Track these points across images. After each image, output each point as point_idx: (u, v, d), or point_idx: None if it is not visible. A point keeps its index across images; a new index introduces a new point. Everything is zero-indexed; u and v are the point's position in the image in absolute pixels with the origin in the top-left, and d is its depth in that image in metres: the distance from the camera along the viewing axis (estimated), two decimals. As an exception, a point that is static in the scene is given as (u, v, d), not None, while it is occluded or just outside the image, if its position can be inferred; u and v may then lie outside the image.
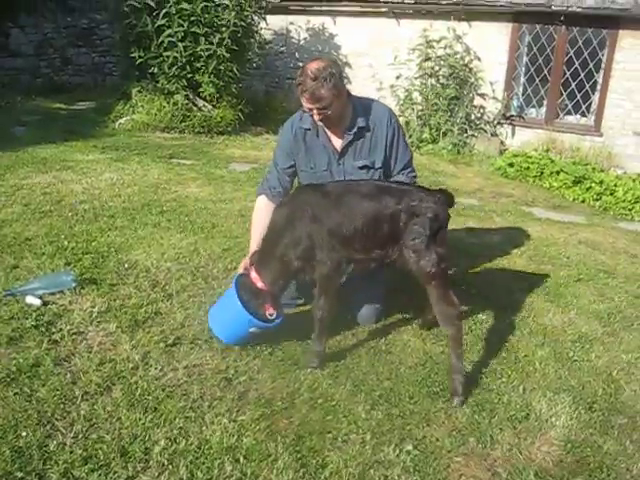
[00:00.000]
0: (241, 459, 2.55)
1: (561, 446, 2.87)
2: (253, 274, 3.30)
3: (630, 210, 7.20)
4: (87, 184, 5.91)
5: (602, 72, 9.13)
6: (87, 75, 12.86)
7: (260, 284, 3.28)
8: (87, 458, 2.46)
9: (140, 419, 2.70)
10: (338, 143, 3.65)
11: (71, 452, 2.48)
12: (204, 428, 2.71)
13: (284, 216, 3.29)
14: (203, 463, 2.50)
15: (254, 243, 3.57)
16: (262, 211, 3.70)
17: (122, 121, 8.84)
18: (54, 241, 4.43)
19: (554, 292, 4.51)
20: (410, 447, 2.74)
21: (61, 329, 3.35)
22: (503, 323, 3.94)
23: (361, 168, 3.68)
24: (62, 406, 2.75)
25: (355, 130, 3.60)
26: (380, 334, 3.69)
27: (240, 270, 3.49)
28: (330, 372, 3.25)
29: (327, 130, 3.63)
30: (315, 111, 3.39)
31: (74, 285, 3.75)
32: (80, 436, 2.58)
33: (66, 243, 4.39)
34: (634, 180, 7.89)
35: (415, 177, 3.86)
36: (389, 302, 3.90)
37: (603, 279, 4.88)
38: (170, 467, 2.46)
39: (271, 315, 3.33)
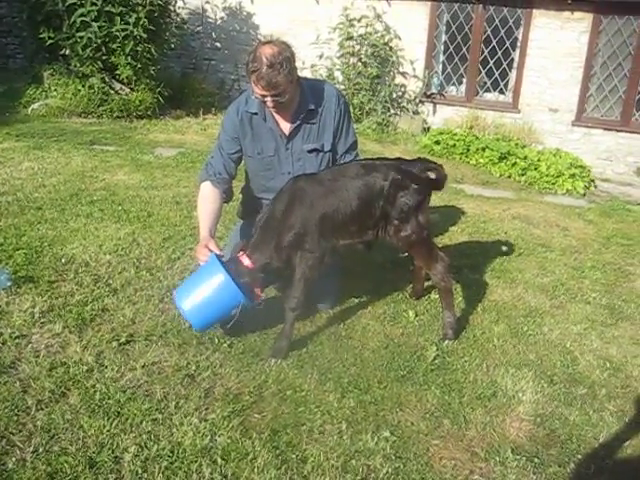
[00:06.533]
0: (218, 460, 2.43)
1: (531, 421, 2.91)
2: (246, 260, 3.15)
3: (554, 184, 7.42)
4: (6, 174, 5.52)
5: (518, 50, 9.33)
6: (-14, 58, 12.03)
7: (253, 269, 3.15)
8: (52, 474, 2.27)
9: (104, 425, 2.53)
10: (286, 127, 3.52)
11: (33, 468, 2.28)
12: (174, 430, 2.56)
13: (283, 205, 3.20)
14: (179, 468, 2.37)
15: (205, 229, 3.39)
16: (208, 198, 3.53)
17: (35, 106, 8.31)
18: (-21, 238, 4.10)
19: (499, 268, 4.58)
20: (387, 433, 2.70)
21: (1, 333, 3.09)
22: (456, 301, 3.94)
23: (310, 152, 3.58)
24: (15, 418, 2.53)
25: (303, 113, 3.48)
26: (338, 319, 3.63)
27: (200, 255, 3.26)
28: (294, 362, 3.16)
29: (275, 114, 3.49)
30: (269, 98, 3.24)
31: (9, 284, 3.48)
32: (41, 450, 2.38)
33: (-7, 239, 4.08)
34: (554, 155, 8.14)
35: None
36: (343, 286, 3.83)
37: (542, 253, 5.01)
38: (145, 475, 2.31)
39: (259, 304, 3.22)
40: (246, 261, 3.17)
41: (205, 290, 3.06)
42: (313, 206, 3.16)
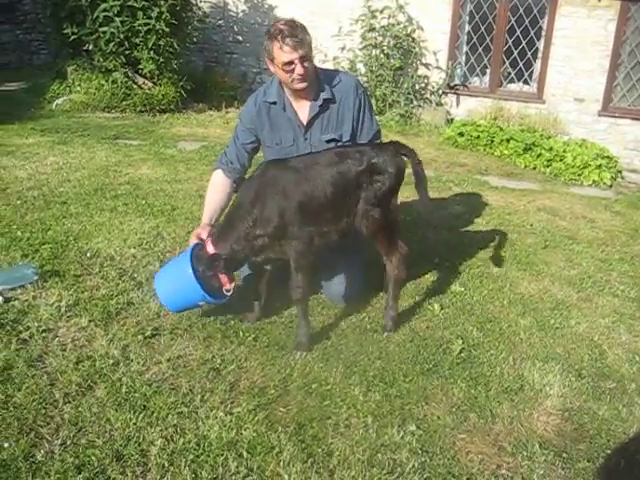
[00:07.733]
0: (244, 454, 2.43)
1: (559, 415, 2.87)
2: (210, 248, 3.13)
3: (579, 175, 7.30)
4: (32, 169, 5.58)
5: (543, 40, 9.18)
6: (12, 54, 12.14)
7: (217, 259, 3.13)
8: (80, 466, 2.29)
9: (131, 419, 2.54)
10: (304, 116, 3.52)
11: (62, 461, 2.30)
12: (200, 424, 2.57)
13: (252, 193, 3.15)
14: (205, 461, 2.37)
15: (206, 216, 3.47)
16: (217, 186, 3.59)
17: (59, 102, 8.38)
18: (6, 232, 4.14)
19: (525, 260, 4.52)
20: (413, 427, 2.68)
21: (29, 327, 3.12)
22: (481, 294, 3.92)
23: (328, 142, 3.56)
24: (43, 411, 2.56)
25: (321, 102, 3.47)
26: (362, 312, 3.61)
27: (192, 241, 3.31)
28: (320, 355, 3.15)
29: (294, 103, 3.49)
30: (298, 63, 3.21)
31: (36, 278, 3.52)
32: (68, 442, 2.40)
33: (20, 234, 4.12)
34: (580, 145, 8.00)
35: None
36: (367, 279, 3.80)
37: (568, 245, 4.93)
38: (172, 468, 2.32)
39: (227, 291, 3.20)
40: (210, 248, 3.14)
41: (174, 280, 3.16)
42: (288, 194, 3.10)
